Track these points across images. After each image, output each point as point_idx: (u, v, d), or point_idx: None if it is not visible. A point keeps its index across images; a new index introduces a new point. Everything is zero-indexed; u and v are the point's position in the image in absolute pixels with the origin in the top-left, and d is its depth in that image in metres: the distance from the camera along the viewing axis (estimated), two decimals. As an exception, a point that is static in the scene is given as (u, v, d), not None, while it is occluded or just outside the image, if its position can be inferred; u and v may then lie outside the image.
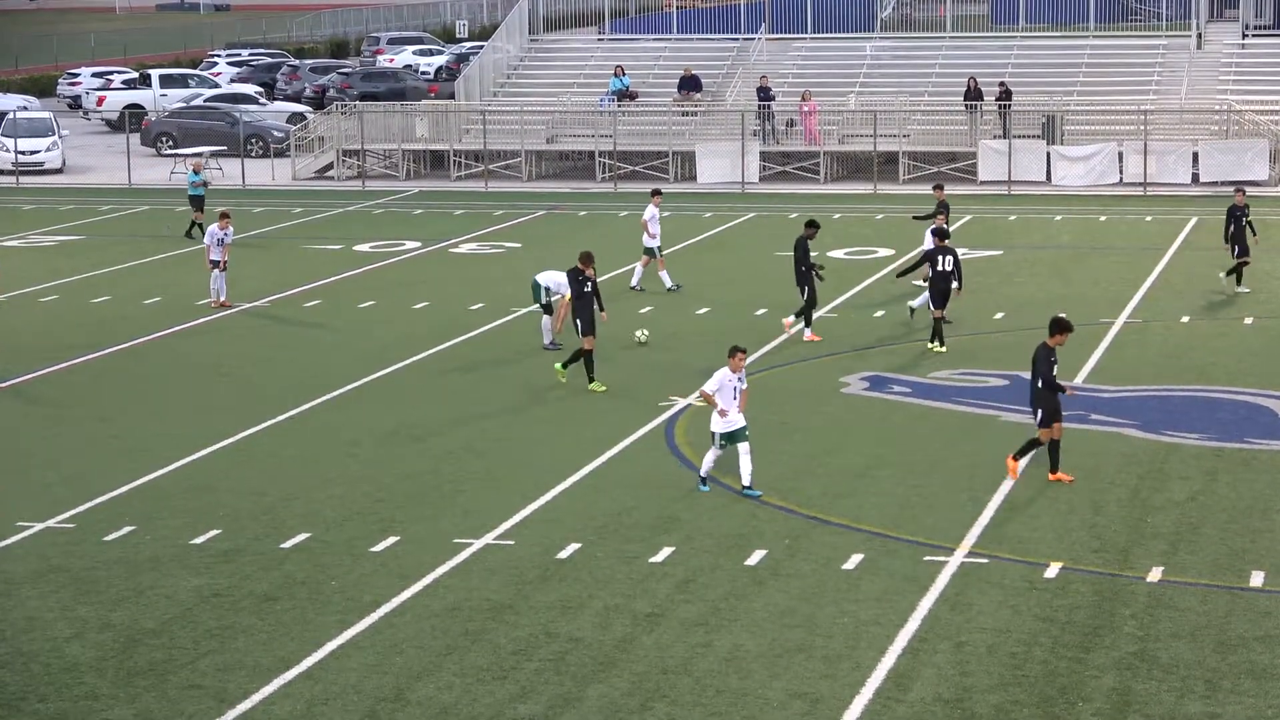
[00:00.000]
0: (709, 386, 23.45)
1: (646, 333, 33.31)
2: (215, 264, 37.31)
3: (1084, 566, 20.55)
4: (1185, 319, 34.46)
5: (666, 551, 21.33)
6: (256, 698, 17.37)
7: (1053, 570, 20.44)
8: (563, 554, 21.33)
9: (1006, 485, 23.60)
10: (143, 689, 17.64)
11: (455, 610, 19.55)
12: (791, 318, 33.14)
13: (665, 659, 18.11)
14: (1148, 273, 38.70)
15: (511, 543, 21.81)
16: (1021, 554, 21.04)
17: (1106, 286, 37.80)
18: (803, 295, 32.64)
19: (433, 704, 17.18)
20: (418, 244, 46.01)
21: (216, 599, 20.06)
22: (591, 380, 29.47)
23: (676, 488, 23.95)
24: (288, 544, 21.88)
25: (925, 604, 19.47)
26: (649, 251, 38.09)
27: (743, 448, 23.37)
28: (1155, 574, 20.29)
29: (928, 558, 20.96)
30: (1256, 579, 20.15)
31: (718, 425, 23.42)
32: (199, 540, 22.08)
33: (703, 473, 23.77)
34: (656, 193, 39.08)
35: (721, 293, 37.88)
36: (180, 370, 31.87)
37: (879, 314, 35.41)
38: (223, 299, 37.46)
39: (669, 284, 37.98)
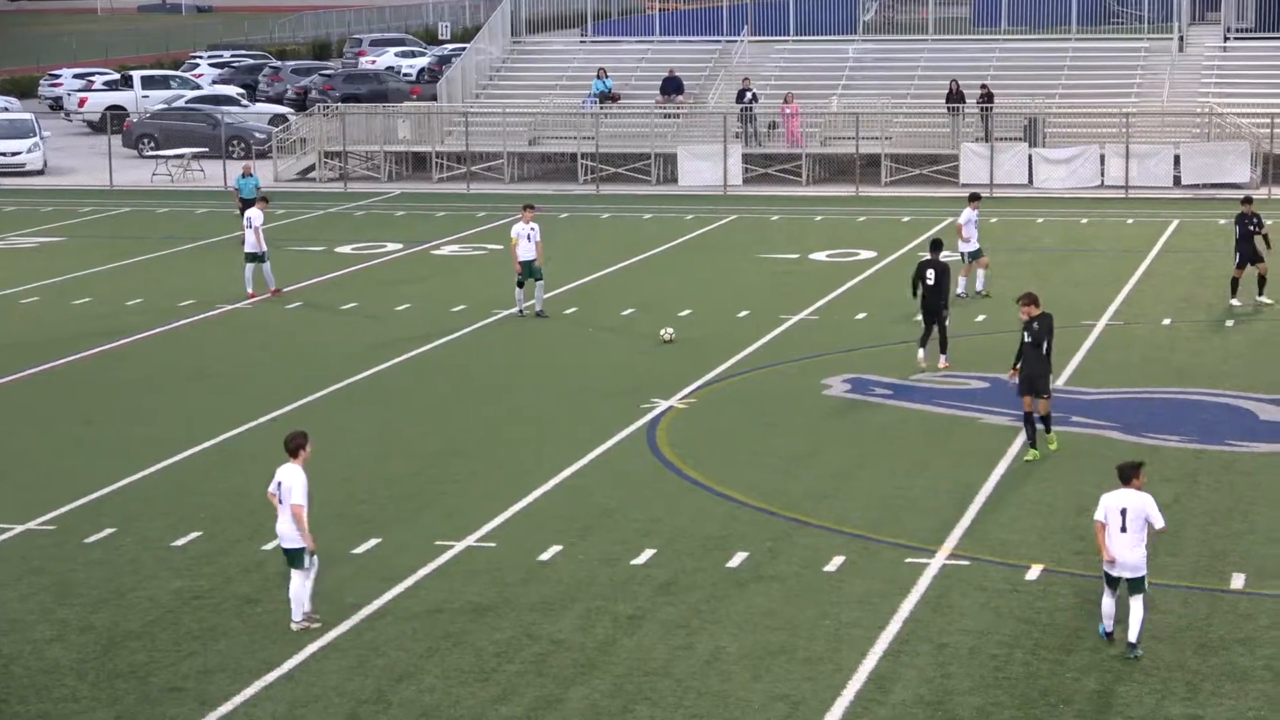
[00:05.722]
0: (1098, 514, 18.27)
1: (672, 331, 33.19)
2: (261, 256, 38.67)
3: (1065, 569, 20.57)
4: (1167, 321, 34.50)
5: (648, 554, 21.33)
6: (238, 700, 17.36)
7: (1034, 572, 20.45)
8: (544, 556, 21.32)
9: (988, 487, 23.63)
10: (124, 691, 17.62)
11: (437, 612, 19.54)
12: None
13: (647, 661, 18.12)
14: (1129, 275, 38.74)
15: (493, 545, 21.80)
16: (1003, 556, 21.06)
17: (1088, 289, 37.83)
18: None
19: (414, 706, 17.17)
20: (399, 245, 45.97)
21: (198, 601, 20.03)
22: (1034, 446, 25.13)
23: (658, 490, 23.95)
24: (269, 546, 21.82)
25: (907, 606, 19.48)
26: (970, 256, 36.71)
27: (1135, 602, 18.07)
28: (1136, 576, 20.31)
29: (909, 560, 20.98)
30: (1237, 581, 20.19)
31: (1111, 567, 18.20)
32: (180, 542, 22.05)
33: (1107, 627, 18.45)
34: (975, 197, 37.77)
35: (703, 295, 37.88)
36: (162, 372, 31.82)
37: (860, 316, 35.43)
38: (273, 287, 38.90)
39: (980, 286, 37.00)
